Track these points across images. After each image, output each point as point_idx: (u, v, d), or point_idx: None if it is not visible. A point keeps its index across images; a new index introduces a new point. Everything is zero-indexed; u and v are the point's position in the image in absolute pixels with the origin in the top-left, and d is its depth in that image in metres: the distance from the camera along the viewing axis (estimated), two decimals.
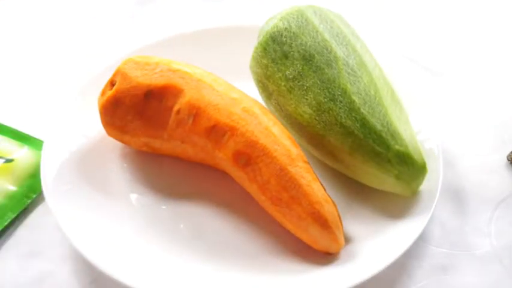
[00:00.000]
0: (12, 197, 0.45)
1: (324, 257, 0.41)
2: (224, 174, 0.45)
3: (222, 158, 0.43)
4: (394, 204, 0.43)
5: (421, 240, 0.44)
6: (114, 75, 0.45)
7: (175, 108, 0.43)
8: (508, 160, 0.49)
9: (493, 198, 0.46)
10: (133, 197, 0.45)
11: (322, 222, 0.40)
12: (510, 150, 0.49)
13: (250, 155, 0.41)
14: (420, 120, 0.47)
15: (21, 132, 0.50)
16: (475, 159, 0.49)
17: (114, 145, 0.47)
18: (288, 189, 0.40)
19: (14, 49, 0.59)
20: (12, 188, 0.46)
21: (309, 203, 0.40)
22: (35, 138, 0.49)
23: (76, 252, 0.41)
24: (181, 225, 0.43)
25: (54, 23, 0.62)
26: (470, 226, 0.45)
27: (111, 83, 0.45)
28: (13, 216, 0.45)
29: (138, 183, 0.46)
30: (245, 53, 0.48)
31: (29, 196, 0.46)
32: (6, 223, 0.44)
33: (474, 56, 0.59)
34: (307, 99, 0.43)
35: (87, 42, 0.60)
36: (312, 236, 0.40)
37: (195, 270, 0.41)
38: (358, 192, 0.45)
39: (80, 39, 0.60)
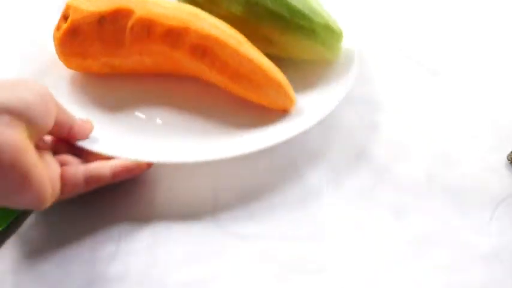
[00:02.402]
0: None
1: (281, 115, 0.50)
2: (181, 80, 0.54)
3: (181, 56, 0.50)
4: (324, 71, 0.54)
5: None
6: (65, 10, 0.51)
7: (129, 25, 0.50)
8: (508, 160, 0.49)
9: (493, 198, 0.46)
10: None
11: (278, 85, 0.49)
12: (510, 150, 0.49)
13: (205, 46, 0.49)
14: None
15: None
16: (475, 159, 0.49)
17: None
18: (244, 64, 0.49)
19: None
20: None
21: (264, 72, 0.49)
22: None
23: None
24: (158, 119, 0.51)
25: None
26: (471, 226, 0.45)
27: (64, 17, 0.51)
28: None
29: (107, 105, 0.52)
30: None
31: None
32: None
33: (474, 55, 0.59)
34: None
35: None
36: (272, 98, 0.50)
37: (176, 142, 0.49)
38: (292, 70, 0.54)
39: None
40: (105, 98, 0.53)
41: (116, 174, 0.45)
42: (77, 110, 0.51)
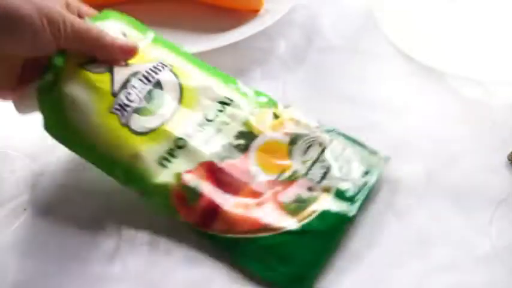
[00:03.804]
0: None
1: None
2: None
3: None
4: None
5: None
6: None
7: None
8: (508, 160, 0.49)
9: (493, 198, 0.46)
10: None
11: None
12: (510, 150, 0.49)
13: None
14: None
15: None
16: (475, 159, 0.49)
17: None
18: None
19: None
20: None
21: None
22: None
23: None
24: None
25: None
26: (471, 226, 0.44)
27: None
28: None
29: None
30: None
31: None
32: None
33: (474, 55, 0.59)
34: None
35: None
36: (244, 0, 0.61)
37: None
38: None
39: None
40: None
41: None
42: None
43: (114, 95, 0.44)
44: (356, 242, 0.43)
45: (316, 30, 0.63)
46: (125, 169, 0.43)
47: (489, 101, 0.54)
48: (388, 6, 0.65)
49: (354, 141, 0.48)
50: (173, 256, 0.43)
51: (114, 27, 0.47)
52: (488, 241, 0.44)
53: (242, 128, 0.47)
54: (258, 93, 0.50)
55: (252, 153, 0.45)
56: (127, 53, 0.46)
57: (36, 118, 0.44)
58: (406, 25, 0.63)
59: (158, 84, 0.46)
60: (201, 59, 0.52)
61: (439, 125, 0.52)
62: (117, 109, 0.44)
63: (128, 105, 0.44)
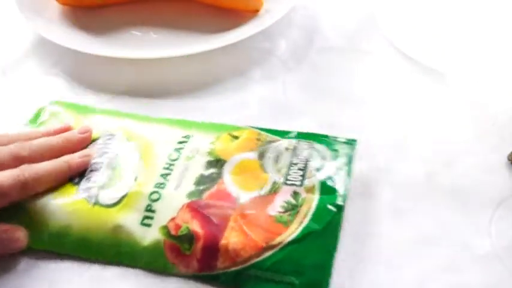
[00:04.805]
0: None
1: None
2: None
3: None
4: None
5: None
6: None
7: None
8: (508, 160, 0.49)
9: (493, 198, 0.46)
10: None
11: None
12: (510, 150, 0.49)
13: None
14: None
15: None
16: (475, 159, 0.49)
17: None
18: None
19: None
20: None
21: None
22: None
23: None
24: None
25: None
26: (471, 226, 0.44)
27: None
28: None
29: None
30: None
31: None
32: None
33: (475, 55, 0.59)
34: None
35: None
36: (244, 1, 0.61)
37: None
38: None
39: None
40: (100, 26, 0.61)
41: None
42: (72, 40, 0.58)
43: (76, 183, 0.45)
44: (356, 241, 0.43)
45: (316, 30, 0.63)
46: (110, 244, 0.42)
47: (489, 101, 0.54)
48: (388, 6, 0.65)
49: (318, 136, 0.48)
50: None
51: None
52: (488, 241, 0.44)
53: (208, 158, 0.46)
54: (211, 125, 0.50)
55: (227, 178, 0.45)
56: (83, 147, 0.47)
57: None
58: (406, 25, 0.63)
59: (114, 154, 0.47)
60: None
61: (439, 125, 0.52)
62: (82, 194, 0.44)
63: (91, 187, 0.44)
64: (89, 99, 0.56)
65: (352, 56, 0.60)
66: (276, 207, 0.43)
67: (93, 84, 0.57)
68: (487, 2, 0.65)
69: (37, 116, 0.52)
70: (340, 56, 0.60)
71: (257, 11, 0.61)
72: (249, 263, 0.40)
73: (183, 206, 0.43)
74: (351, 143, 0.47)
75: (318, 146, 0.47)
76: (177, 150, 0.47)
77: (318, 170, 0.45)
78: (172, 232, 0.42)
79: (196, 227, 0.42)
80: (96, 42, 0.60)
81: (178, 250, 0.41)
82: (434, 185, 0.47)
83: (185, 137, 0.48)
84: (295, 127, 0.50)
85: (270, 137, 0.48)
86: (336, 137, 0.48)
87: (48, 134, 0.47)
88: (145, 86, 0.57)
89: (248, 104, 0.55)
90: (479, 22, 0.63)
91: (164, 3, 0.64)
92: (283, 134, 0.49)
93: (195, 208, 0.43)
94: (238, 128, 0.49)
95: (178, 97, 0.56)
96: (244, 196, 0.44)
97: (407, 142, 0.50)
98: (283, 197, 0.43)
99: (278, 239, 0.41)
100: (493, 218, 0.45)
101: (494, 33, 0.61)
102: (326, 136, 0.48)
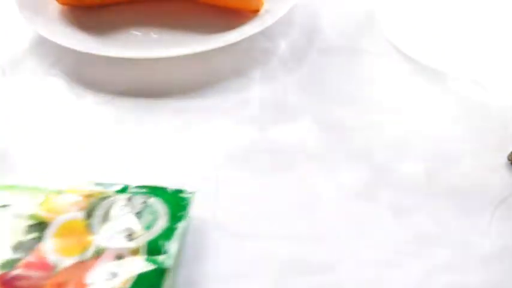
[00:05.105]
0: None
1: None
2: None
3: None
4: None
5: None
6: None
7: None
8: (508, 160, 0.49)
9: (493, 198, 0.46)
10: None
11: None
12: (510, 150, 0.49)
13: None
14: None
15: None
16: (475, 159, 0.49)
17: None
18: None
19: None
20: None
21: None
22: None
23: None
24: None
25: None
26: (471, 226, 0.44)
27: None
28: None
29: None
30: None
31: None
32: None
33: (475, 55, 0.59)
34: None
35: None
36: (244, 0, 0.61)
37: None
38: None
39: None
40: (100, 26, 0.61)
41: None
42: (72, 40, 0.58)
43: None
44: (355, 241, 0.43)
45: (316, 30, 0.63)
46: None
47: (489, 101, 0.54)
48: (388, 6, 0.65)
49: (154, 189, 0.44)
50: None
51: None
52: (488, 241, 0.44)
53: (30, 222, 0.42)
54: (39, 188, 0.45)
55: (48, 242, 0.41)
56: None
57: None
58: (406, 25, 0.63)
59: None
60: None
61: (439, 125, 0.52)
62: None
63: None
64: (89, 99, 0.56)
65: (352, 56, 0.60)
66: (95, 274, 0.39)
67: (93, 84, 0.57)
68: (487, 2, 0.65)
69: None
70: (340, 56, 0.60)
71: (257, 11, 0.61)
72: None
73: None
74: (190, 197, 0.44)
75: (153, 200, 0.43)
76: None
77: (147, 228, 0.41)
78: None
79: None
80: (96, 42, 0.59)
81: None
82: (434, 185, 0.47)
83: (5, 204, 0.43)
84: (295, 127, 0.50)
85: (105, 192, 0.44)
86: (174, 190, 0.44)
87: None
88: (146, 86, 0.57)
89: (248, 104, 0.55)
90: (479, 22, 0.63)
91: (164, 3, 0.64)
92: (123, 189, 0.44)
93: (7, 281, 0.38)
94: (69, 188, 0.44)
95: (179, 97, 0.56)
96: (64, 262, 0.39)
97: (408, 142, 0.50)
98: (105, 261, 0.40)
99: None
100: (493, 218, 0.45)
101: (494, 33, 0.61)
102: (164, 189, 0.44)
